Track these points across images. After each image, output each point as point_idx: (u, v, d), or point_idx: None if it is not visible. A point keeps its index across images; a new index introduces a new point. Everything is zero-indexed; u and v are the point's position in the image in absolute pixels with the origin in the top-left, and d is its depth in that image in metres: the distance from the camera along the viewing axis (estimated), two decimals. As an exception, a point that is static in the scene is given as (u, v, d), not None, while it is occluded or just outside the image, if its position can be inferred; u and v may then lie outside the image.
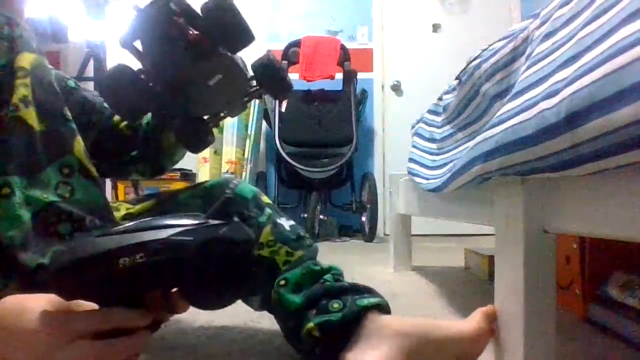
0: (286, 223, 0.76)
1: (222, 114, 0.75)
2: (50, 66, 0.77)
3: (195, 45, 0.63)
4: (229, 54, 0.65)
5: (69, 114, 0.53)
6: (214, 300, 0.52)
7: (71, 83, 0.81)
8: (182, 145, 0.76)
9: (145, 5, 0.63)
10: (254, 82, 0.71)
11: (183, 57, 0.63)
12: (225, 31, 0.63)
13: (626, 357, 0.75)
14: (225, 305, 0.54)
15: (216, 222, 0.49)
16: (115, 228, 0.47)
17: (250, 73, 0.70)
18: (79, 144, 0.53)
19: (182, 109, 0.70)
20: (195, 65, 0.64)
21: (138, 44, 0.66)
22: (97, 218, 0.51)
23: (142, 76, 0.65)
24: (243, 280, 0.50)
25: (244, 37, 0.64)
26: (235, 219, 0.52)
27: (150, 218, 0.49)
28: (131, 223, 0.48)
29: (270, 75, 0.70)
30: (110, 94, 0.65)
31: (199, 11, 0.63)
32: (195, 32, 0.63)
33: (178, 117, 0.71)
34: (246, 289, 0.52)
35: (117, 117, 0.83)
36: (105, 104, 0.76)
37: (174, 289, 0.50)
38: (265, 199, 0.78)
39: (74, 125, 0.53)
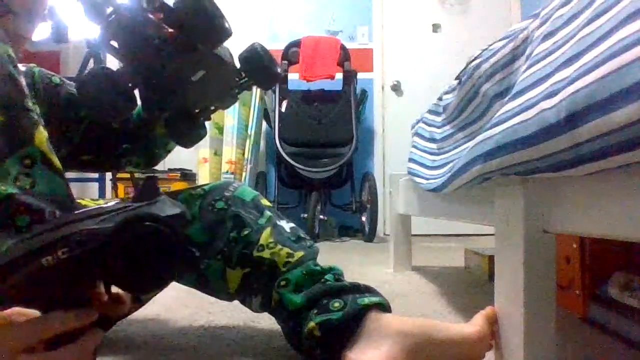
0: (286, 225, 0.76)
1: (212, 107, 0.74)
2: (34, 65, 0.75)
3: (171, 42, 0.62)
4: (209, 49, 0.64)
5: (30, 104, 0.52)
6: (150, 281, 0.49)
7: (56, 79, 0.80)
8: (173, 141, 0.75)
9: (117, 3, 0.62)
10: (243, 74, 0.70)
11: (159, 55, 0.62)
12: (199, 28, 0.61)
13: (626, 357, 0.75)
14: (164, 285, 0.51)
15: (139, 203, 0.47)
16: (40, 227, 0.46)
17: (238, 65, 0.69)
18: (41, 135, 0.52)
19: (169, 105, 0.69)
20: (173, 62, 0.63)
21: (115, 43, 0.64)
22: (60, 209, 0.50)
23: (121, 76, 0.63)
24: (177, 258, 0.48)
25: (219, 33, 0.62)
26: (162, 196, 0.50)
27: (89, 208, 0.47)
28: (75, 212, 0.46)
29: (256, 66, 0.69)
30: (87, 98, 0.62)
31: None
32: (170, 30, 0.62)
33: (167, 112, 0.70)
34: (183, 265, 0.50)
35: None
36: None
37: (113, 279, 0.48)
38: (265, 201, 0.78)
39: (35, 116, 0.52)
